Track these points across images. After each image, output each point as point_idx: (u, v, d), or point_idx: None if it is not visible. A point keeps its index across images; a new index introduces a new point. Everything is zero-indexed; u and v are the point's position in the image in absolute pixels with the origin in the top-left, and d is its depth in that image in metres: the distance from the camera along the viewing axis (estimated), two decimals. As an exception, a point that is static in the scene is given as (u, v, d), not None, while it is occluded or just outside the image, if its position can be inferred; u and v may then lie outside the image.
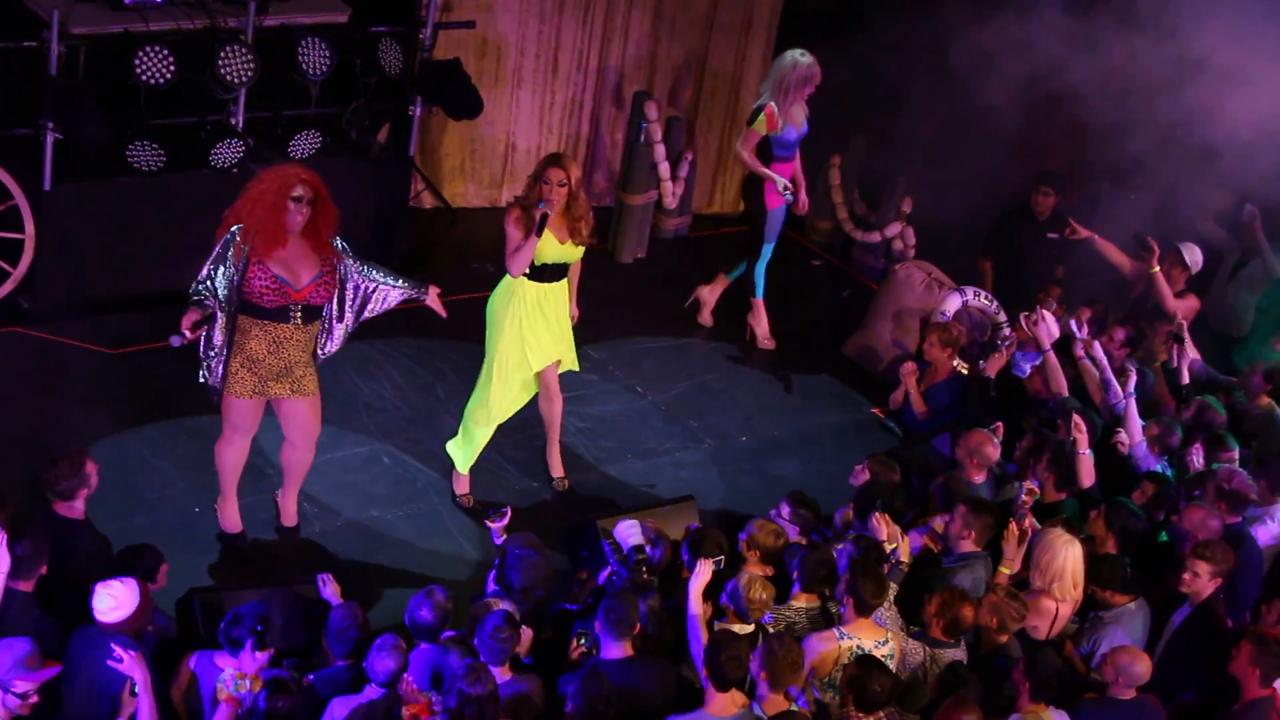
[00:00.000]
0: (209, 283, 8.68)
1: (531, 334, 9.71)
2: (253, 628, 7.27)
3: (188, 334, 8.60)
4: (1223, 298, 12.48)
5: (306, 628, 8.05)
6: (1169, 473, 9.78)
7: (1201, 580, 8.41)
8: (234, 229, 8.65)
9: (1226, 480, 9.18)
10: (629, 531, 8.55)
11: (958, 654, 8.15)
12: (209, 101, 11.21)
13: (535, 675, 7.71)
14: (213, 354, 8.82)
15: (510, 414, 9.96)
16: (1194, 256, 11.71)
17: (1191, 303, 11.76)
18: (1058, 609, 8.53)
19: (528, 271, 9.59)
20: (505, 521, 8.58)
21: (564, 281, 9.78)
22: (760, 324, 12.35)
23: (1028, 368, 10.99)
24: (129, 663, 6.98)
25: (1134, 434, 9.91)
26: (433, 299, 9.28)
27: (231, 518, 9.43)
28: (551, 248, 9.55)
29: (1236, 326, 12.40)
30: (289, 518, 9.59)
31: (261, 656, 7.15)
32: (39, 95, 10.59)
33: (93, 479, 8.10)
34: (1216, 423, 10.11)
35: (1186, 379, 10.78)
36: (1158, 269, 11.50)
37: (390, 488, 10.11)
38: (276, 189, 8.62)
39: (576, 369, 10.09)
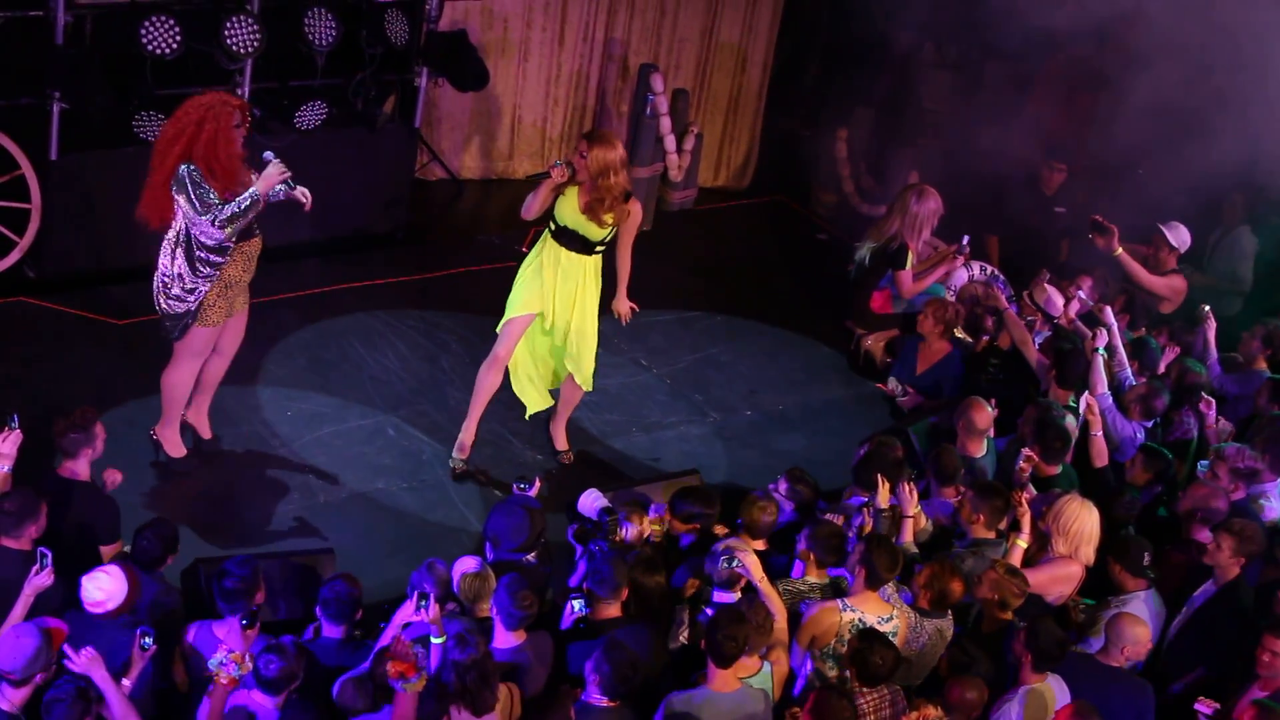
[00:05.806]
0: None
1: (536, 282, 9.61)
2: (244, 594, 7.30)
3: None
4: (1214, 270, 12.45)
5: (304, 599, 8.04)
6: (1142, 435, 9.92)
7: (1224, 554, 8.42)
8: (185, 169, 8.57)
9: (1238, 459, 9.21)
10: (589, 501, 8.56)
11: (945, 624, 8.14)
12: (215, 72, 11.19)
13: (545, 633, 7.68)
14: (181, 288, 8.82)
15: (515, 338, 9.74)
16: (1180, 236, 11.64)
17: (1177, 282, 11.69)
18: (1082, 573, 8.58)
19: (553, 228, 9.55)
20: (535, 491, 8.57)
21: (589, 262, 9.64)
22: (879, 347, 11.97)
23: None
24: (83, 663, 6.81)
25: (1096, 385, 9.97)
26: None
27: (177, 442, 9.56)
28: (570, 210, 9.48)
29: (1236, 284, 12.35)
30: (207, 430, 9.70)
31: (252, 634, 7.08)
32: (45, 65, 10.57)
33: (98, 443, 8.10)
34: (1200, 383, 10.24)
35: (1215, 355, 10.78)
36: (1119, 250, 11.45)
37: (395, 459, 10.11)
38: (224, 125, 8.60)
39: (588, 388, 9.99)
